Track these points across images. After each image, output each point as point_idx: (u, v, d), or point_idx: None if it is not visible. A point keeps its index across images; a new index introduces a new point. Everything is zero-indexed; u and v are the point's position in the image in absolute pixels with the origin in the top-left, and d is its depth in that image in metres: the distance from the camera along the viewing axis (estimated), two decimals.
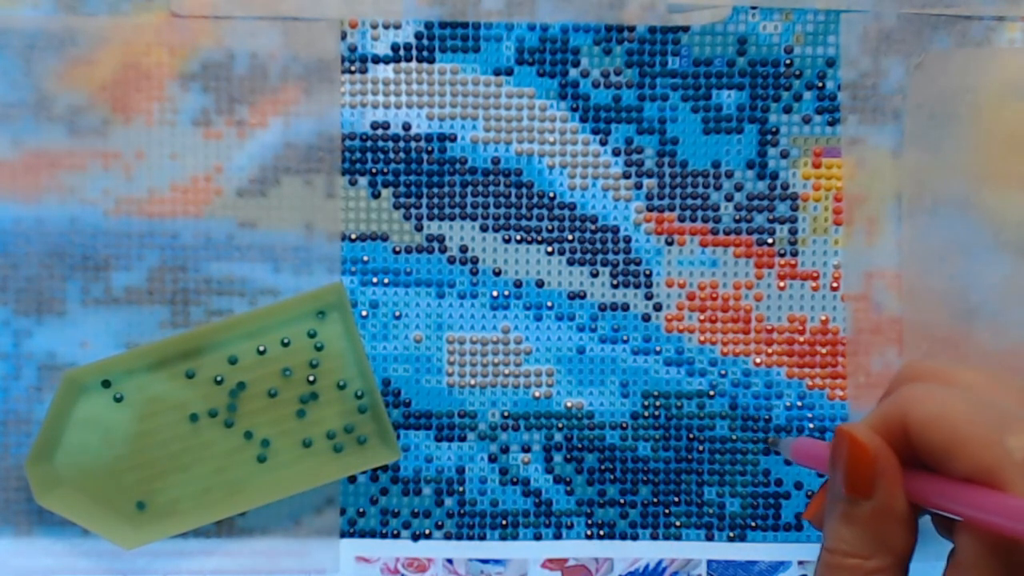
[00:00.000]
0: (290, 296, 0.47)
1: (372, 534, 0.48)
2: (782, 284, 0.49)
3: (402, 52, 0.48)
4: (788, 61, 0.48)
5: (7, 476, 0.47)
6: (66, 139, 0.47)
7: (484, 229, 0.48)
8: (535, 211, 0.48)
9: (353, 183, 0.48)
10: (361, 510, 0.48)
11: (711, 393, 0.48)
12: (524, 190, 0.48)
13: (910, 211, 0.48)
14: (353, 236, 0.48)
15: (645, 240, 0.48)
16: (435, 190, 0.48)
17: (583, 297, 0.48)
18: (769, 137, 0.48)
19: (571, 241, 0.48)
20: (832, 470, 0.32)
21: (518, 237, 0.48)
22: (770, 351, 0.48)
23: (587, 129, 0.48)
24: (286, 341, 0.46)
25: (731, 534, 0.49)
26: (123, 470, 0.46)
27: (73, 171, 0.47)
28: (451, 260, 0.48)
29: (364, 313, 0.48)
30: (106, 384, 0.45)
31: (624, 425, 0.48)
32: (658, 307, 0.48)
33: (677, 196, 0.48)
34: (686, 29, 0.48)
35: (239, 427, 0.46)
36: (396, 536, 0.48)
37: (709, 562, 0.49)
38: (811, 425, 0.48)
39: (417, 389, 0.48)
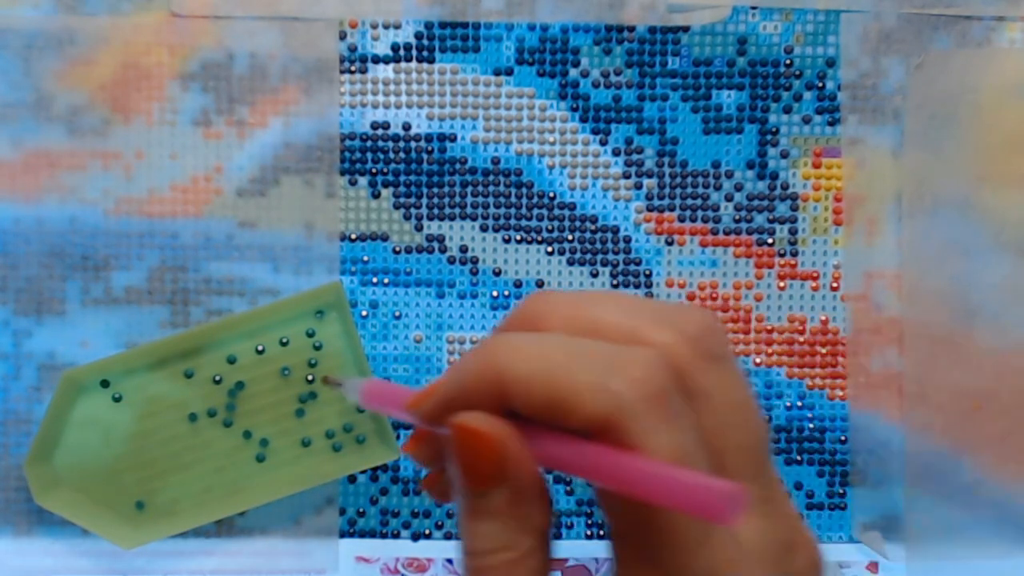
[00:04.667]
0: (289, 295, 0.47)
1: (372, 534, 0.48)
2: (782, 284, 0.49)
3: (402, 52, 0.48)
4: (788, 61, 0.48)
5: (7, 476, 0.47)
6: (66, 139, 0.47)
7: (484, 229, 0.48)
8: (535, 211, 0.48)
9: (353, 183, 0.48)
10: (361, 510, 0.48)
11: None
12: (524, 190, 0.48)
13: (910, 211, 0.48)
14: (353, 236, 0.48)
15: (645, 240, 0.48)
16: (435, 190, 0.48)
17: None
18: (769, 137, 0.48)
19: (571, 241, 0.48)
20: (452, 468, 0.28)
21: (518, 237, 0.48)
22: (770, 351, 0.48)
23: (587, 129, 0.48)
24: (285, 340, 0.46)
25: None
26: (122, 470, 0.46)
27: (73, 171, 0.47)
28: (451, 260, 0.48)
29: (364, 313, 0.48)
30: (105, 384, 0.45)
31: None
32: None
33: (677, 196, 0.48)
34: (686, 29, 0.48)
35: (238, 426, 0.46)
36: (396, 536, 0.48)
37: None
38: (811, 425, 0.48)
39: (417, 389, 0.48)
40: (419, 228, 0.48)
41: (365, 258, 0.48)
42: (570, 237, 0.48)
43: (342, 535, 0.48)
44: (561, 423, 0.27)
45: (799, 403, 0.48)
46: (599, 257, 0.48)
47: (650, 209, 0.48)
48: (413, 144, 0.48)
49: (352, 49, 0.48)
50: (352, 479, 0.48)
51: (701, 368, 0.28)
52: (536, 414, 0.27)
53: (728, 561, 0.26)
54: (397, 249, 0.48)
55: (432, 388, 0.29)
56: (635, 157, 0.48)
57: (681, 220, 0.48)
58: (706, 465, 0.27)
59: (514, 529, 0.28)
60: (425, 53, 0.48)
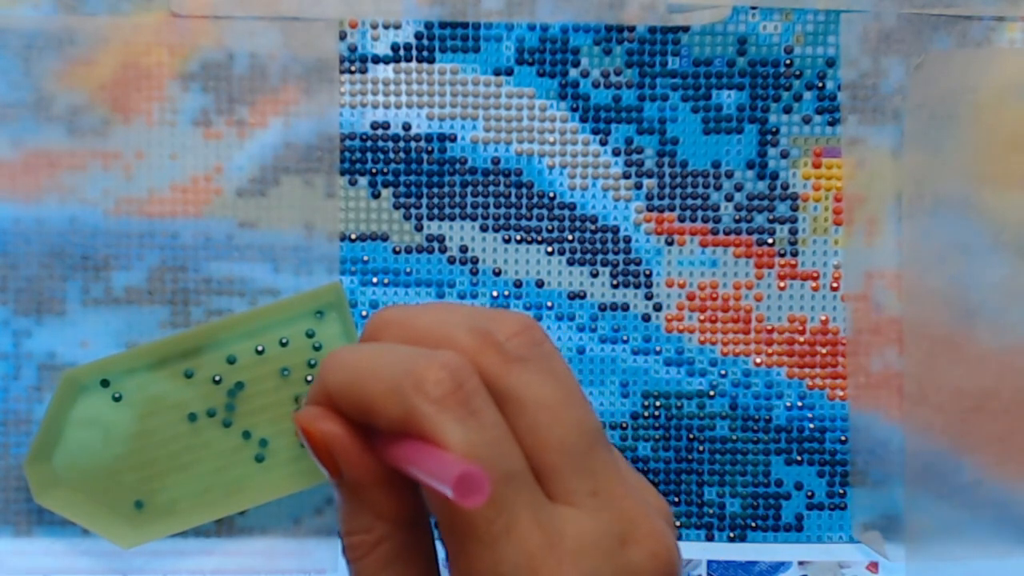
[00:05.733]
0: (289, 296, 0.47)
1: None
2: (782, 284, 0.49)
3: (402, 52, 0.48)
4: (788, 61, 0.48)
5: (7, 476, 0.47)
6: (66, 139, 0.47)
7: (484, 229, 0.48)
8: (535, 211, 0.48)
9: (353, 183, 0.48)
10: None
11: (711, 393, 0.48)
12: (524, 190, 0.48)
13: (910, 211, 0.48)
14: (353, 236, 0.48)
15: (645, 240, 0.48)
16: (435, 190, 0.48)
17: (583, 297, 0.48)
18: (769, 137, 0.48)
19: (571, 241, 0.48)
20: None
21: (518, 237, 0.48)
22: (770, 351, 0.48)
23: (587, 129, 0.48)
24: (284, 341, 0.46)
25: (731, 534, 0.48)
26: (122, 469, 0.46)
27: (73, 171, 0.47)
28: (451, 260, 0.48)
29: (364, 313, 0.48)
30: (105, 383, 0.45)
31: (624, 425, 0.48)
32: (658, 307, 0.48)
33: (677, 196, 0.48)
34: (686, 29, 0.48)
35: (237, 427, 0.46)
36: None
37: (709, 562, 0.49)
38: (811, 425, 0.48)
39: None
40: (419, 228, 0.48)
41: (365, 258, 0.48)
42: (570, 237, 0.48)
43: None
44: (373, 425, 0.29)
45: (799, 403, 0.48)
46: (599, 257, 0.48)
47: (650, 209, 0.48)
48: (413, 144, 0.48)
49: (352, 49, 0.48)
50: None
51: (507, 370, 0.29)
52: (356, 418, 0.30)
53: (537, 551, 0.28)
54: (397, 249, 0.48)
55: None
56: (635, 157, 0.48)
57: (681, 220, 0.48)
58: (513, 463, 0.28)
59: (366, 515, 0.30)
60: (425, 53, 0.48)
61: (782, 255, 0.48)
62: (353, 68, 0.48)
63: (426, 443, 0.28)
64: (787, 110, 0.48)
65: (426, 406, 0.28)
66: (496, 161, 0.48)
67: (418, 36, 0.48)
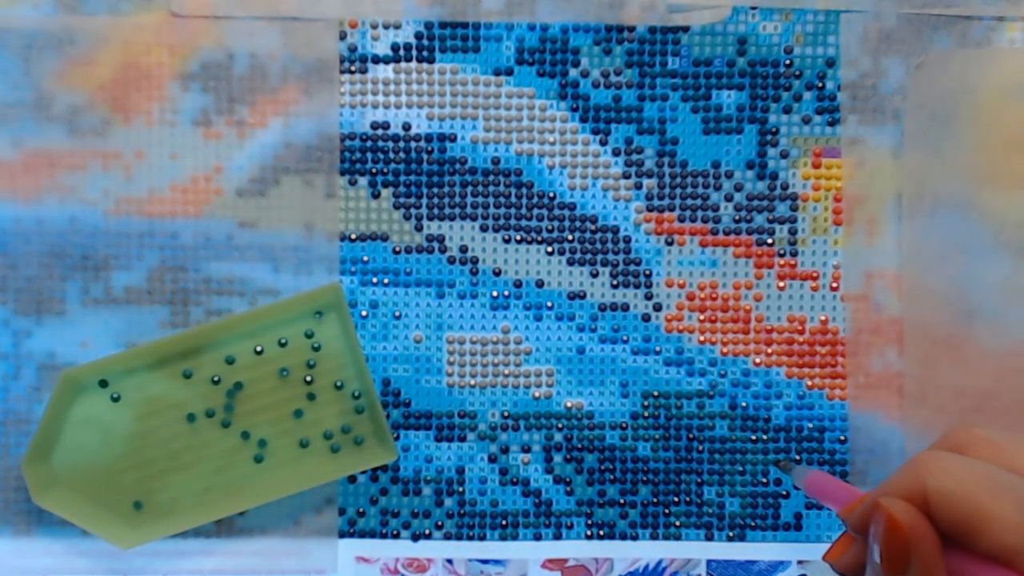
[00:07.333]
0: (288, 296, 0.47)
1: (372, 534, 0.48)
2: (782, 284, 0.49)
3: (402, 52, 0.48)
4: (788, 61, 0.48)
5: (7, 476, 0.47)
6: (66, 139, 0.47)
7: (484, 229, 0.48)
8: (535, 211, 0.48)
9: (353, 183, 0.48)
10: (361, 510, 0.48)
11: (711, 393, 0.48)
12: (524, 190, 0.48)
13: (910, 211, 0.48)
14: (353, 236, 0.48)
15: (645, 240, 0.48)
16: (435, 190, 0.48)
17: (583, 297, 0.48)
18: (769, 137, 0.48)
19: (571, 241, 0.48)
20: (870, 544, 0.31)
21: (518, 237, 0.48)
22: (770, 351, 0.48)
23: (587, 129, 0.48)
24: (283, 341, 0.46)
25: (731, 534, 0.48)
26: (120, 470, 0.46)
27: (73, 171, 0.47)
28: (451, 260, 0.48)
29: (364, 313, 0.48)
30: (103, 384, 0.45)
31: (624, 425, 0.48)
32: (658, 307, 0.48)
33: (677, 196, 0.48)
34: (686, 29, 0.48)
35: (236, 427, 0.46)
36: (396, 536, 0.48)
37: (709, 562, 0.49)
38: (811, 425, 0.48)
39: (417, 389, 0.48)
40: (419, 228, 0.48)
41: (365, 258, 0.48)
42: (570, 237, 0.48)
43: (342, 535, 0.48)
44: (968, 542, 0.29)
45: (799, 403, 0.48)
46: (599, 257, 0.48)
47: (650, 209, 0.48)
48: (413, 144, 0.48)
49: (352, 49, 0.48)
50: (352, 479, 0.48)
51: None
52: (948, 529, 0.30)
53: None
54: (397, 249, 0.48)
55: (861, 498, 0.33)
56: (635, 157, 0.48)
57: (681, 220, 0.48)
58: None
59: None
60: (425, 53, 0.48)
61: (782, 255, 0.48)
62: (353, 68, 0.48)
63: None
64: (787, 110, 0.48)
65: None
66: (496, 161, 0.48)
67: (418, 36, 0.48)
